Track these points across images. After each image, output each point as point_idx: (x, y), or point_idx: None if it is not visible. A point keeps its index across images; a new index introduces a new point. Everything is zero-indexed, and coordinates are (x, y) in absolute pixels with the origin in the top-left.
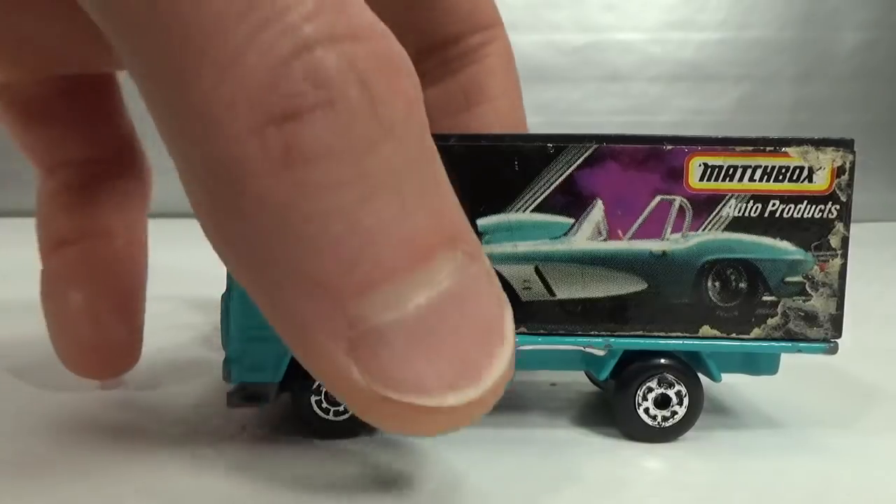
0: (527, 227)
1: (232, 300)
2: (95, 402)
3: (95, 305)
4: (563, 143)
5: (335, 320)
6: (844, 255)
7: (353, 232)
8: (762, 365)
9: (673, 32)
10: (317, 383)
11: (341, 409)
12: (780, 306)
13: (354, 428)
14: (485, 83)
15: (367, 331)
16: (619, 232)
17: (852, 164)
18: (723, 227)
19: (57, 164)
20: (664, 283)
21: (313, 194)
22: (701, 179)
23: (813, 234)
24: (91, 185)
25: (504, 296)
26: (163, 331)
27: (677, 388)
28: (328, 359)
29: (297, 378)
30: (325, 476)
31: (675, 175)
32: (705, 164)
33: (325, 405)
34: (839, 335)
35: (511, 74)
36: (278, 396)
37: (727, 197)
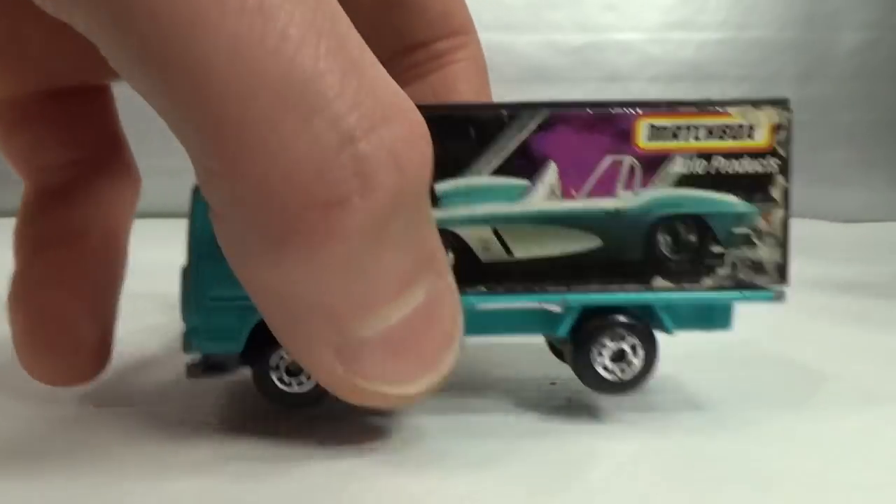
0: (484, 191)
1: (194, 271)
2: (83, 398)
3: (65, 308)
4: (517, 110)
5: (331, 335)
6: (787, 206)
7: (362, 282)
8: (715, 318)
9: (673, 32)
10: (275, 360)
11: (302, 380)
12: (728, 256)
13: (316, 398)
14: (454, 87)
15: (354, 340)
16: (573, 192)
17: (789, 120)
18: (671, 183)
19: (36, 169)
20: (618, 239)
21: (340, 264)
22: (649, 140)
23: (756, 187)
24: (70, 189)
25: (459, 304)
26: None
27: (631, 341)
28: (318, 359)
29: (256, 350)
30: (322, 470)
31: (625, 136)
32: (652, 126)
33: (286, 379)
34: (785, 282)
35: (482, 80)
36: (239, 367)
37: (674, 155)
